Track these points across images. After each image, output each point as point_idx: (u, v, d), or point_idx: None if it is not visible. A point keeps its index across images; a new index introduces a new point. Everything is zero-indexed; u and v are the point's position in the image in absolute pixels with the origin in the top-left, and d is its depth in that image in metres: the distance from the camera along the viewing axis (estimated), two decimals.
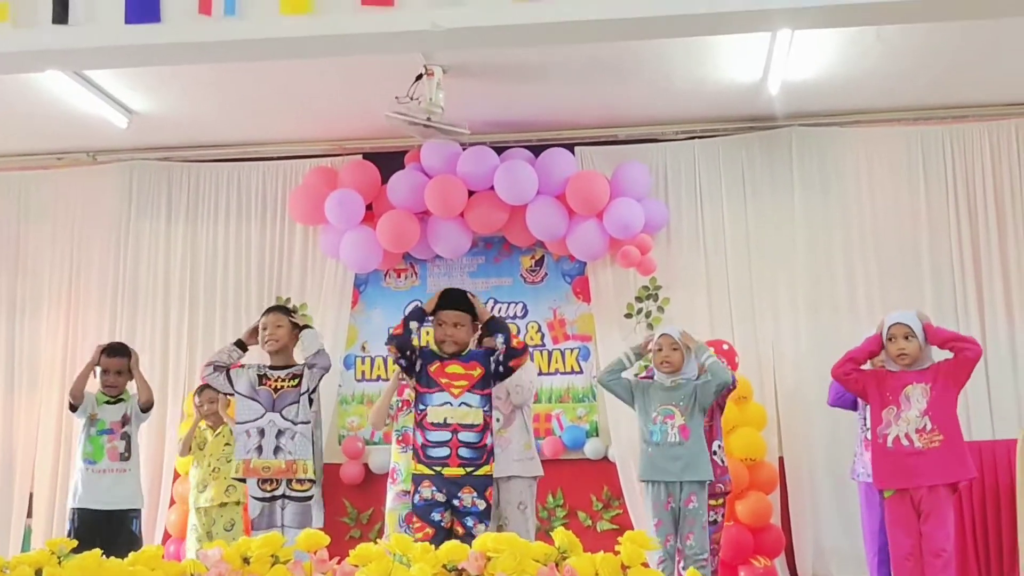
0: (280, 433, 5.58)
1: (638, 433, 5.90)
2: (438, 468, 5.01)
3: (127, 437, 6.26)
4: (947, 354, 5.52)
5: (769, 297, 7.81)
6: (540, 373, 7.93)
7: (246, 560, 2.96)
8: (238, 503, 6.83)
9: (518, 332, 7.97)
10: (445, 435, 5.03)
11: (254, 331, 5.85)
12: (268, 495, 5.58)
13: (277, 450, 5.55)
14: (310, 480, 5.61)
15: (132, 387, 6.40)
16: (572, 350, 8.06)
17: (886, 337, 5.50)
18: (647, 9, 4.72)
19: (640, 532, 2.97)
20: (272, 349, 5.78)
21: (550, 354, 8.05)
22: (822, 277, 7.79)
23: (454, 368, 5.18)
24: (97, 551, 2.93)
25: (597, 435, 7.88)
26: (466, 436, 5.03)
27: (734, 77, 7.19)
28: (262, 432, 5.58)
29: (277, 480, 5.56)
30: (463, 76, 6.81)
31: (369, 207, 7.83)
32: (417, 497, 5.06)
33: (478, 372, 5.17)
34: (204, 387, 6.98)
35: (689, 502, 5.55)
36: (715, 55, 6.83)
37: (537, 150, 7.79)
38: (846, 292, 7.73)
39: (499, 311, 8.03)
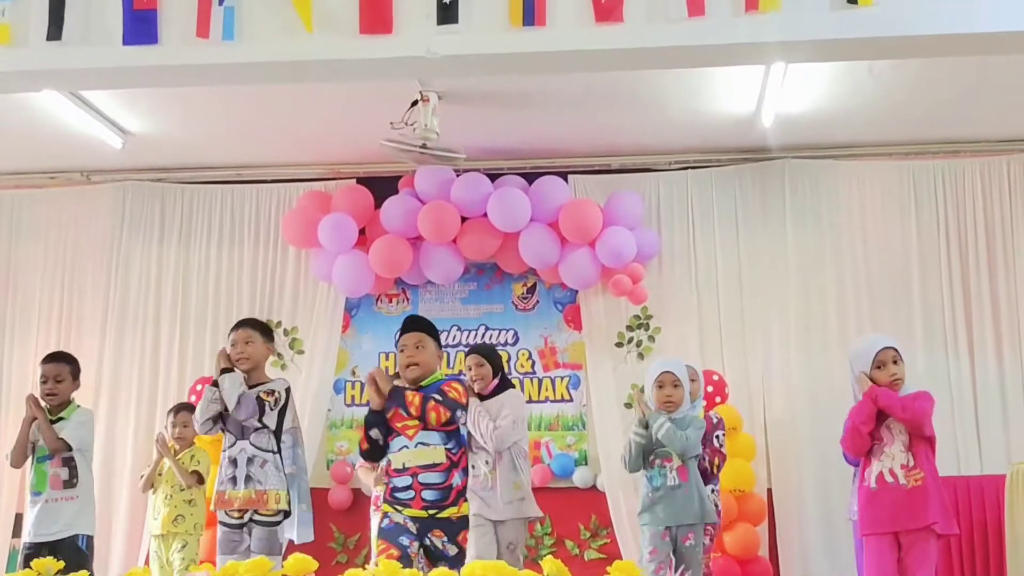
0: (250, 461, 5.35)
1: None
2: (400, 508, 4.65)
3: (70, 462, 5.79)
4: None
5: (760, 328, 7.82)
6: (529, 401, 7.91)
7: None
8: (188, 532, 6.64)
9: (509, 360, 7.98)
10: (406, 479, 4.65)
11: (225, 355, 5.49)
12: (235, 522, 5.34)
13: (248, 479, 5.32)
14: (283, 508, 5.37)
15: (77, 412, 5.94)
16: (563, 378, 8.05)
17: (873, 365, 5.19)
18: (642, 40, 4.74)
19: (629, 562, 2.96)
20: (245, 368, 5.45)
21: (540, 382, 8.04)
22: (813, 309, 7.81)
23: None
24: (84, 572, 2.91)
25: (586, 464, 7.87)
26: (427, 477, 4.63)
27: (728, 109, 7.22)
28: (235, 462, 5.36)
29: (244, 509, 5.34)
30: (458, 103, 6.83)
31: (362, 231, 7.83)
32: (387, 521, 4.68)
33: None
34: (181, 408, 6.92)
35: (687, 539, 5.42)
36: (709, 87, 6.87)
37: (531, 177, 7.82)
38: (837, 324, 7.74)
39: (490, 338, 8.03)
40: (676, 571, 5.41)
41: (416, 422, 4.64)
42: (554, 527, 7.77)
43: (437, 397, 4.63)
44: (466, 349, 7.43)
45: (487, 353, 6.15)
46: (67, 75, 5.13)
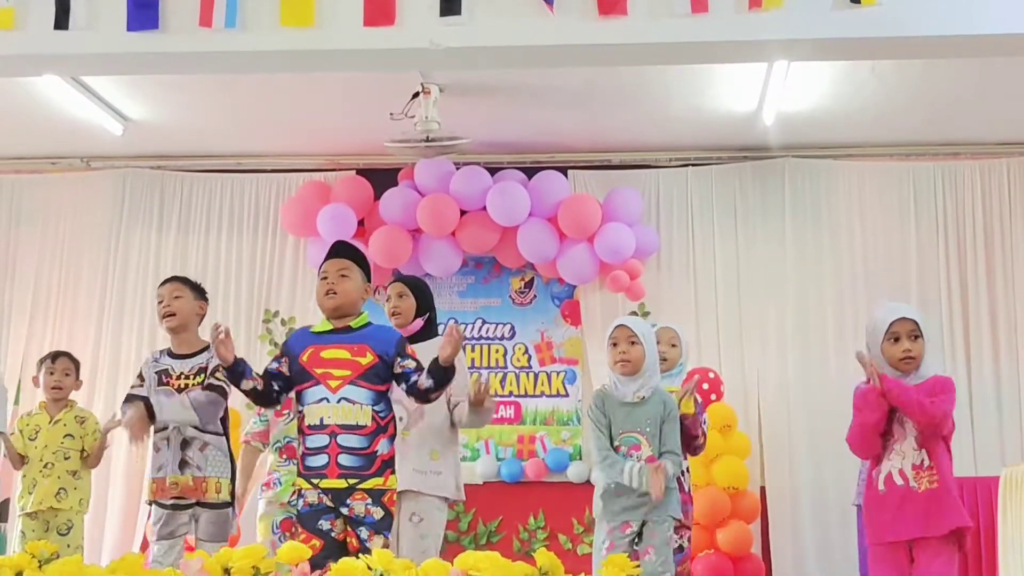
0: (186, 444, 4.74)
1: None
2: (315, 480, 3.94)
3: None
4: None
5: (757, 327, 7.83)
6: (525, 395, 7.94)
7: (227, 571, 2.95)
8: (73, 509, 5.80)
9: (505, 354, 7.99)
10: (323, 439, 3.93)
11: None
12: (170, 502, 4.73)
13: (183, 464, 4.71)
14: (226, 499, 4.81)
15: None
16: (558, 373, 8.06)
17: (885, 338, 4.38)
18: (645, 35, 4.76)
19: (622, 556, 2.97)
20: (171, 325, 4.86)
21: (536, 376, 8.04)
22: (810, 308, 7.81)
23: (333, 353, 4.03)
24: (79, 556, 2.91)
25: (580, 459, 7.87)
26: (347, 440, 3.91)
27: (729, 107, 7.23)
28: (168, 443, 4.73)
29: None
30: (460, 95, 6.83)
31: (361, 223, 7.83)
32: (301, 502, 3.97)
33: (368, 359, 4.01)
34: (58, 355, 6.10)
35: (649, 522, 4.63)
36: (711, 84, 6.87)
37: (530, 172, 7.82)
38: (834, 324, 7.75)
39: (487, 332, 8.03)
40: (639, 556, 4.59)
41: (346, 372, 3.96)
42: (548, 521, 7.78)
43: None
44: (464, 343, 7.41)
45: (412, 284, 4.99)
46: (69, 60, 5.15)
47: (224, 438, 4.84)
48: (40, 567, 2.93)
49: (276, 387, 4.09)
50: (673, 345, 5.31)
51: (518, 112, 7.34)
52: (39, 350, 8.13)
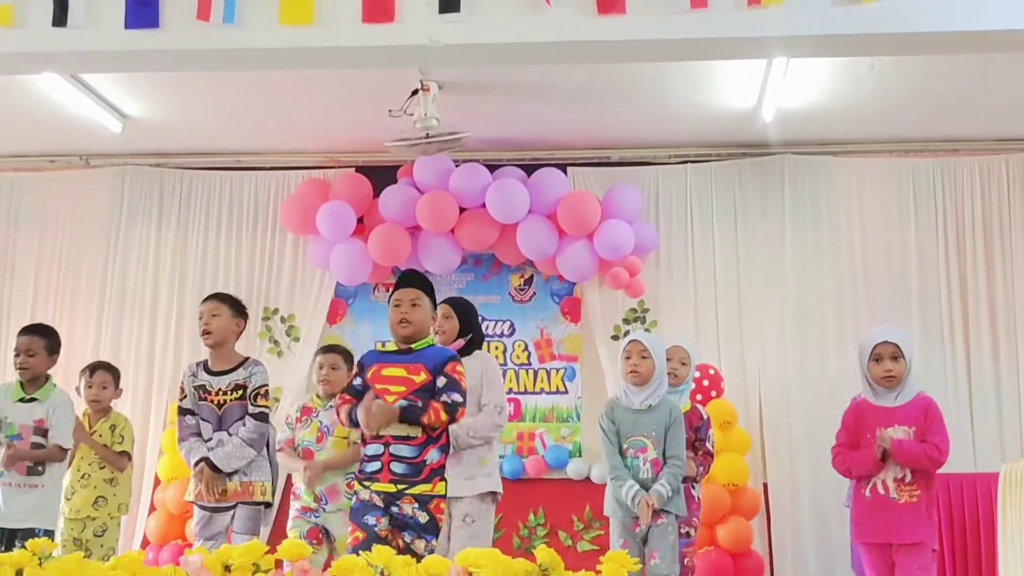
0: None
1: None
2: (367, 484, 4.29)
3: (40, 448, 5.35)
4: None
5: (757, 323, 7.84)
6: (524, 392, 7.95)
7: (227, 568, 2.95)
8: (110, 515, 6.06)
9: (505, 351, 8.00)
10: (378, 448, 4.29)
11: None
12: (212, 504, 5.06)
13: (232, 472, 5.04)
14: (267, 501, 5.19)
15: (53, 393, 5.52)
16: (558, 370, 8.06)
17: (870, 358, 4.94)
18: (644, 32, 4.75)
19: (622, 552, 2.97)
20: (208, 343, 5.13)
21: (535, 373, 8.04)
22: (810, 305, 7.82)
23: (392, 371, 4.40)
24: (79, 554, 2.91)
25: (580, 455, 7.87)
26: (399, 449, 4.26)
27: (729, 103, 7.22)
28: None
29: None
30: (459, 93, 6.83)
31: (360, 220, 7.83)
32: (355, 499, 4.35)
33: (422, 378, 4.35)
34: (98, 367, 6.27)
35: (656, 520, 4.96)
36: (711, 81, 6.87)
37: (530, 169, 7.82)
38: (834, 320, 7.76)
39: (487, 329, 8.01)
40: (644, 557, 4.97)
41: (401, 388, 4.30)
42: (547, 518, 7.79)
43: (447, 394, 4.31)
44: None
45: (457, 305, 5.28)
46: (68, 58, 5.15)
47: (264, 445, 5.19)
48: (40, 564, 2.93)
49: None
50: (683, 363, 5.58)
51: (517, 109, 7.34)
52: None
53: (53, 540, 4.78)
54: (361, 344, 8.11)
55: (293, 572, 2.94)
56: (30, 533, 4.95)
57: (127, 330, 8.16)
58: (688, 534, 5.48)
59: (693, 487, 5.50)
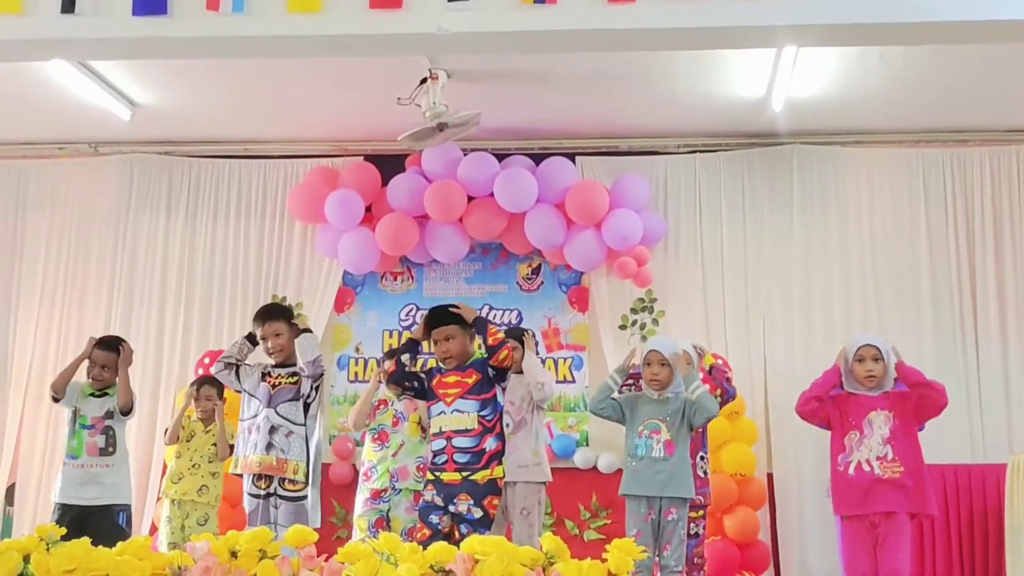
0: (274, 429, 5.51)
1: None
2: (437, 473, 5.09)
3: (109, 432, 5.99)
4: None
5: (764, 313, 7.83)
6: None
7: (234, 554, 2.96)
8: (209, 504, 6.63)
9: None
10: (442, 443, 5.10)
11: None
12: (262, 492, 5.51)
13: (269, 447, 5.48)
14: (302, 481, 5.52)
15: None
16: (565, 359, 8.06)
17: (854, 359, 5.37)
18: (653, 21, 4.74)
19: (628, 540, 2.97)
20: (277, 361, 5.71)
21: (543, 362, 8.04)
22: (818, 295, 7.81)
23: (449, 378, 5.21)
24: (85, 539, 2.93)
25: (587, 445, 7.88)
26: (460, 442, 5.07)
27: (738, 93, 7.21)
28: (259, 429, 5.53)
29: (269, 477, 5.49)
30: (467, 81, 6.82)
31: (368, 209, 7.83)
32: (421, 500, 5.18)
33: (473, 379, 5.16)
34: (204, 382, 6.80)
35: (668, 514, 5.32)
36: (720, 70, 6.85)
37: (538, 158, 7.81)
38: (841, 311, 7.74)
39: (494, 318, 8.01)
40: (657, 550, 5.32)
41: (455, 390, 5.13)
42: (554, 507, 7.77)
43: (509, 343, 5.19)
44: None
45: (513, 335, 5.85)
46: (76, 45, 5.13)
47: (304, 428, 5.59)
48: (47, 550, 2.95)
49: (415, 384, 5.34)
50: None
51: (526, 98, 7.33)
52: (48, 335, 8.19)
53: (130, 515, 6.01)
54: (369, 332, 8.15)
55: (300, 559, 2.96)
56: (111, 512, 5.84)
57: (136, 318, 8.16)
58: (696, 534, 5.90)
59: (698, 464, 5.87)
